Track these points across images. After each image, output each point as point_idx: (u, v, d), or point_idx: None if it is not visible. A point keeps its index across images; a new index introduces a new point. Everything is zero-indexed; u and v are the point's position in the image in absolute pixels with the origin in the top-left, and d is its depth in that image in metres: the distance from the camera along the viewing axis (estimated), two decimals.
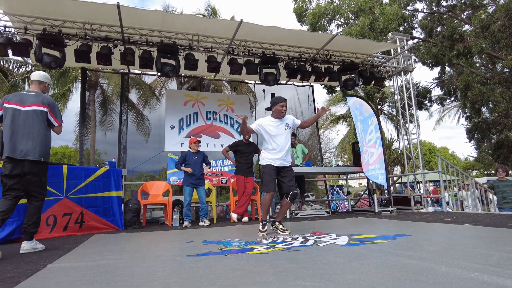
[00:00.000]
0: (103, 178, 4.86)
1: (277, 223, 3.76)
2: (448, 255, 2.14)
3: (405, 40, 8.48)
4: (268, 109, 3.90)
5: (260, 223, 3.69)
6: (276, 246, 2.79)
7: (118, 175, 5.06)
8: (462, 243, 2.60)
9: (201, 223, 5.38)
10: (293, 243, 2.91)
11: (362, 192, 10.34)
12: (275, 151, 3.72)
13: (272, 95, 8.43)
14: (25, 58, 6.50)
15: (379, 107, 16.99)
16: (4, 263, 2.47)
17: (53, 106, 3.23)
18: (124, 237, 4.03)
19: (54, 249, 3.12)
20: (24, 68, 12.30)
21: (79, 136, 7.36)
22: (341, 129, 43.98)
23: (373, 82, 7.59)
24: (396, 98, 8.93)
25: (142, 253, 2.76)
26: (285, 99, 3.88)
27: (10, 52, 5.38)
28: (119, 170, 5.17)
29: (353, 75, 7.34)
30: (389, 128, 18.58)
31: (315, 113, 8.97)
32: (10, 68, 12.63)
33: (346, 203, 12.36)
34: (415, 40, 11.45)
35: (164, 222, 6.00)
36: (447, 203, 8.77)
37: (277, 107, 3.74)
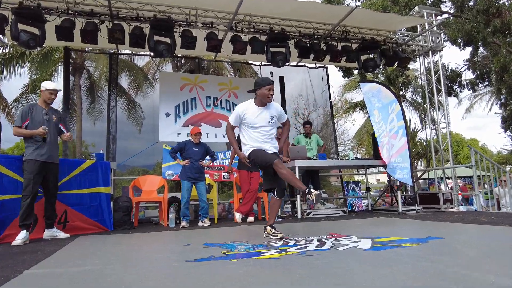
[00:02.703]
0: (90, 172, 4.80)
1: (268, 227, 3.50)
2: (493, 261, 2.02)
3: (433, 15, 8.25)
4: (251, 91, 3.54)
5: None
6: (288, 250, 2.70)
7: (107, 169, 4.99)
8: (506, 247, 2.48)
9: (200, 223, 5.32)
10: (307, 246, 2.81)
11: (383, 189, 10.23)
12: (255, 142, 3.45)
13: (281, 78, 8.32)
14: (1, 36, 6.43)
15: (401, 93, 16.72)
16: None
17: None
18: (113, 239, 3.97)
19: (34, 252, 3.06)
20: (0, 50, 12.20)
21: None
22: (358, 118, 43.63)
23: (396, 62, 7.42)
24: (422, 82, 8.74)
25: (133, 258, 2.70)
26: (273, 81, 3.57)
27: None
28: (108, 163, 5.12)
29: (374, 54, 7.18)
30: (412, 117, 18.40)
31: (330, 99, 8.98)
32: None
33: (364, 201, 12.31)
34: (444, 16, 11.16)
35: (159, 222, 5.96)
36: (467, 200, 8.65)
37: (263, 90, 3.38)
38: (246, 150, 3.49)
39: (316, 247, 2.77)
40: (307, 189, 3.24)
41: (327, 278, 1.79)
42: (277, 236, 3.36)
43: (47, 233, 4.11)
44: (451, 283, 1.61)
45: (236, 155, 5.92)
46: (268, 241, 3.22)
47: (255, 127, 3.44)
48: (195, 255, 2.60)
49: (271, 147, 3.49)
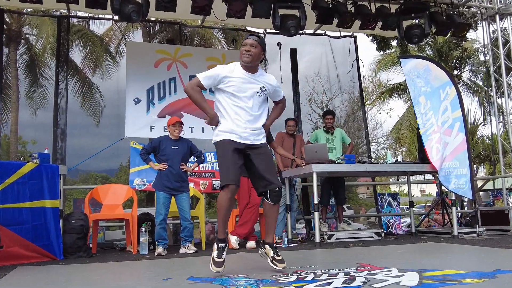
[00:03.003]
0: (31, 179, 4.76)
1: (267, 246, 3.45)
2: None
3: None
4: None
5: (214, 246, 3.34)
6: (305, 287, 2.70)
7: (54, 175, 4.99)
8: None
9: (183, 250, 5.32)
10: (331, 282, 2.81)
11: (431, 204, 10.25)
12: (237, 119, 3.39)
13: (293, 51, 8.32)
14: None
15: (455, 72, 16.77)
16: None
17: None
18: (64, 271, 3.98)
19: None
20: None
21: None
22: (396, 107, 43.77)
23: (451, 30, 7.40)
24: (485, 57, 8.73)
25: None
26: (258, 36, 3.49)
27: None
28: (56, 166, 5.13)
29: (420, 19, 7.17)
30: (471, 105, 18.37)
31: (360, 81, 8.97)
32: None
33: (403, 220, 12.32)
34: None
35: (126, 247, 5.97)
36: None
37: (241, 47, 3.43)
38: (216, 134, 3.45)
39: (343, 283, 2.77)
40: (221, 242, 3.33)
41: None
42: (276, 266, 3.33)
43: None
44: None
45: None
46: (277, 275, 3.22)
47: (239, 97, 3.39)
48: None
49: (253, 134, 3.44)
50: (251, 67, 3.43)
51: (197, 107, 3.55)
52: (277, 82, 3.65)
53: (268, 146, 3.59)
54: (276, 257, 3.38)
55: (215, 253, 3.27)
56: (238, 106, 3.39)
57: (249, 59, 3.36)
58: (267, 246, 3.46)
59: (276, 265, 3.33)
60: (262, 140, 3.50)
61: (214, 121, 3.44)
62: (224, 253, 3.29)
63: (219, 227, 3.47)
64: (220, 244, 3.30)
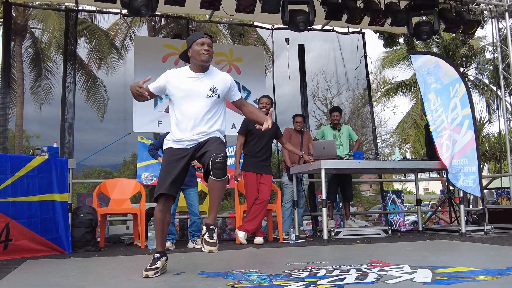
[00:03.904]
0: (41, 172, 4.77)
1: (203, 227, 3.15)
2: None
3: None
4: (183, 57, 3.40)
5: (152, 256, 3.23)
6: (318, 283, 2.70)
7: (63, 168, 4.99)
8: None
9: (191, 245, 5.35)
10: (344, 278, 2.82)
11: (438, 202, 10.23)
12: (181, 126, 3.24)
13: (301, 47, 8.30)
14: None
15: (462, 69, 16.70)
16: None
17: None
18: (73, 265, 3.98)
19: None
20: None
21: (1, 109, 7.29)
22: (401, 104, 43.67)
23: (460, 27, 7.38)
24: (494, 55, 8.69)
25: None
26: (210, 36, 3.36)
27: None
28: (65, 160, 5.12)
29: (429, 16, 7.13)
30: (477, 103, 18.30)
31: (367, 77, 8.95)
32: None
33: (407, 218, 12.32)
34: None
35: (133, 242, 5.97)
36: None
37: (194, 47, 3.22)
38: (165, 144, 3.35)
39: (356, 279, 2.78)
40: (157, 252, 3.24)
41: None
42: (206, 246, 3.04)
43: None
44: None
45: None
46: (288, 270, 3.22)
47: (182, 96, 3.25)
48: None
49: (201, 137, 3.23)
50: (203, 67, 3.31)
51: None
52: (233, 81, 3.46)
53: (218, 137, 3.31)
54: (206, 238, 3.05)
55: (149, 263, 3.17)
56: (184, 109, 3.25)
57: (209, 58, 3.24)
58: (203, 227, 3.15)
59: (203, 247, 3.05)
60: (209, 135, 3.25)
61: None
62: (159, 262, 3.17)
63: (157, 238, 3.38)
64: (155, 254, 3.23)
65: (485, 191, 17.19)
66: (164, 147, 3.35)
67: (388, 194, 11.01)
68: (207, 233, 3.06)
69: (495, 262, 3.40)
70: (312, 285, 2.62)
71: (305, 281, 2.77)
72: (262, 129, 3.37)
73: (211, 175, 3.00)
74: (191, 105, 3.23)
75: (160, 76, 3.33)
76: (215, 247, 3.02)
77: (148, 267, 3.10)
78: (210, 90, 3.25)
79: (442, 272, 2.96)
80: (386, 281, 2.67)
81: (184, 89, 3.25)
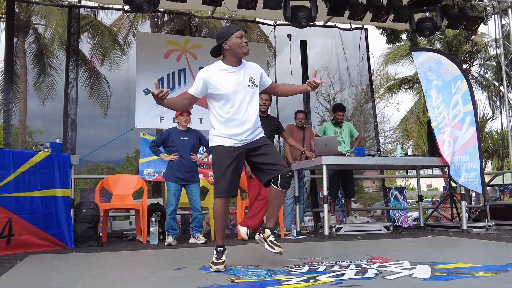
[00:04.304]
0: (43, 168, 4.79)
1: (267, 230, 3.32)
2: None
3: None
4: (215, 51, 3.35)
5: (214, 251, 3.25)
6: (318, 278, 2.72)
7: (66, 164, 5.01)
8: None
9: (192, 240, 5.36)
10: (344, 274, 2.84)
11: (439, 198, 10.23)
12: (233, 122, 3.25)
13: (303, 43, 8.29)
14: None
15: (465, 66, 16.65)
16: None
17: None
18: (76, 260, 4.00)
19: None
20: None
21: (4, 105, 7.33)
22: (404, 100, 43.58)
23: (463, 24, 7.36)
24: (496, 51, 8.65)
25: None
26: (244, 30, 3.37)
27: None
28: (67, 156, 5.14)
29: (432, 12, 7.13)
30: (480, 100, 18.26)
31: (370, 74, 8.94)
32: None
33: (409, 214, 12.34)
34: None
35: (135, 237, 6.00)
36: None
37: (233, 39, 3.20)
38: (211, 140, 3.35)
39: (355, 275, 2.79)
40: (220, 246, 3.24)
41: None
42: (273, 249, 3.23)
43: None
44: None
45: None
46: (288, 266, 3.24)
47: (226, 93, 3.23)
48: (192, 284, 2.63)
49: (252, 133, 3.33)
50: (240, 60, 3.32)
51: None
52: (262, 71, 3.47)
53: (266, 138, 3.43)
54: (273, 241, 3.26)
55: (214, 256, 3.19)
56: (230, 105, 3.25)
57: (248, 51, 3.26)
58: (267, 230, 3.34)
59: (273, 248, 3.23)
60: (260, 134, 3.38)
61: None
62: (224, 255, 3.21)
63: (217, 233, 3.39)
64: (218, 248, 3.23)
65: (487, 187, 17.18)
66: (213, 143, 3.31)
67: (391, 191, 11.04)
68: (272, 236, 3.30)
69: (495, 259, 3.40)
70: (311, 281, 2.63)
71: (304, 276, 2.79)
72: (317, 84, 3.47)
73: (278, 187, 3.22)
74: (238, 99, 3.24)
75: (197, 78, 3.28)
76: (281, 247, 3.25)
77: (215, 261, 3.15)
78: (249, 81, 3.29)
79: (442, 268, 2.97)
80: (385, 277, 2.68)
81: (228, 84, 3.23)
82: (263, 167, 3.32)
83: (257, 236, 3.46)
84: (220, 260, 3.15)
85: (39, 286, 2.75)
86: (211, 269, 3.12)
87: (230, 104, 3.24)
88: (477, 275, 2.68)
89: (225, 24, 13.33)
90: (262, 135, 3.42)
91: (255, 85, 3.33)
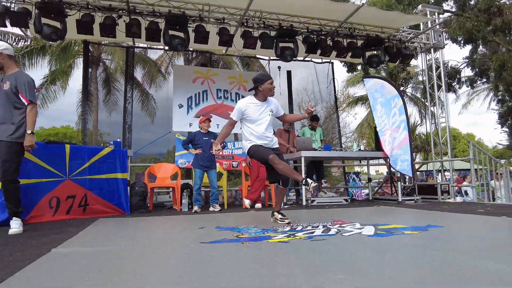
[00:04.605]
0: (108, 158, 4.82)
1: (275, 213, 3.56)
2: (493, 250, 2.03)
3: (436, 13, 8.10)
4: (252, 89, 3.46)
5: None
6: (296, 234, 2.72)
7: (124, 156, 5.02)
8: (504, 236, 2.48)
9: (211, 208, 5.37)
10: (314, 231, 2.84)
11: (383, 180, 10.21)
12: (257, 135, 3.40)
13: (288, 73, 8.26)
14: (24, 29, 6.45)
15: (402, 88, 16.55)
16: (8, 246, 2.46)
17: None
18: (130, 221, 4.02)
19: (58, 232, 3.11)
20: (23, 42, 12.26)
21: (81, 114, 7.34)
22: (360, 112, 43.41)
23: (399, 59, 7.33)
24: (423, 78, 8.64)
25: (151, 239, 2.73)
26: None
27: (8, 22, 5.30)
28: (125, 150, 5.14)
29: (378, 51, 7.10)
30: (412, 112, 18.22)
31: (335, 94, 8.91)
32: (8, 42, 12.62)
33: (363, 191, 12.30)
34: (447, 15, 10.98)
35: (172, 206, 6.01)
36: (465, 192, 8.58)
37: (266, 85, 3.35)
38: (246, 146, 3.46)
39: (322, 232, 2.79)
40: (304, 180, 3.23)
41: (335, 262, 1.80)
42: (284, 221, 3.42)
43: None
44: (454, 269, 1.62)
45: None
46: (276, 226, 3.25)
47: (258, 122, 3.38)
48: (209, 238, 2.63)
49: (270, 141, 3.47)
50: (266, 98, 3.45)
51: (221, 134, 3.51)
52: (278, 105, 3.59)
53: (279, 148, 3.58)
54: (282, 217, 3.49)
55: (279, 216, 3.51)
56: (258, 126, 3.39)
57: (273, 94, 3.49)
58: (275, 213, 3.56)
59: (284, 221, 3.43)
60: (275, 145, 3.50)
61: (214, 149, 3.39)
62: (305, 186, 3.24)
63: (293, 176, 3.36)
64: (304, 181, 3.22)
65: (417, 172, 17.17)
66: (250, 144, 3.40)
67: (350, 174, 11.01)
68: (280, 215, 3.52)
69: (419, 222, 3.40)
70: (291, 236, 2.64)
71: (287, 233, 2.80)
72: (311, 111, 3.57)
73: (281, 186, 3.52)
74: (259, 128, 3.40)
75: (236, 107, 3.40)
76: (289, 219, 3.49)
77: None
78: (270, 111, 3.45)
79: (382, 228, 2.97)
80: (342, 234, 2.69)
81: (256, 114, 3.39)
82: (274, 170, 3.38)
83: (272, 219, 3.58)
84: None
85: (106, 238, 2.77)
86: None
87: (254, 125, 3.40)
88: (406, 233, 2.70)
89: (235, 59, 13.35)
90: (277, 145, 3.55)
91: (272, 114, 3.49)
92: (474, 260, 1.78)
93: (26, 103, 3.20)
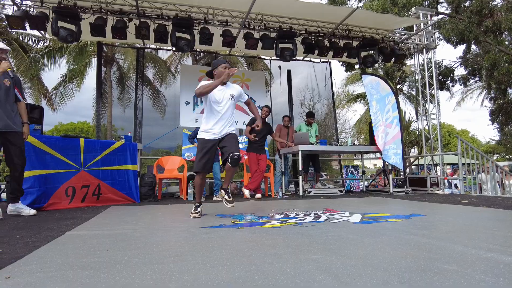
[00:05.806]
0: (119, 151, 4.92)
1: (221, 190, 3.38)
2: (465, 235, 2.09)
3: (429, 15, 8.07)
4: (209, 73, 3.34)
5: (194, 205, 3.31)
6: (288, 221, 2.80)
7: (134, 149, 5.12)
8: (479, 224, 2.54)
9: (215, 198, 5.45)
10: (305, 219, 2.92)
11: (376, 172, 10.24)
12: (215, 120, 3.19)
13: (289, 72, 8.30)
14: (42, 32, 6.56)
15: (398, 86, 16.49)
16: (26, 229, 2.58)
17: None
18: (139, 209, 4.12)
19: (73, 218, 3.23)
20: (42, 43, 12.42)
21: (96, 111, 7.47)
22: (359, 109, 43.23)
23: (393, 59, 7.33)
24: (416, 77, 8.60)
25: (156, 224, 2.82)
26: (227, 61, 3.34)
27: (27, 25, 5.42)
28: (135, 144, 5.24)
29: (372, 51, 7.10)
30: (408, 109, 18.18)
31: (332, 91, 8.94)
32: (29, 43, 12.77)
33: (361, 183, 12.34)
34: (440, 16, 10.88)
35: (179, 196, 6.12)
36: (455, 185, 8.58)
37: (219, 69, 3.19)
38: (198, 134, 3.30)
39: (312, 219, 2.87)
40: (197, 203, 3.26)
41: (318, 244, 1.89)
42: (227, 204, 3.29)
43: (11, 208, 3.46)
44: (424, 251, 1.70)
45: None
46: (271, 214, 3.33)
47: (218, 102, 3.20)
48: (209, 223, 2.73)
49: (228, 126, 3.26)
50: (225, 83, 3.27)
51: (212, 89, 3.15)
52: (241, 91, 3.39)
53: (235, 133, 3.32)
54: (227, 198, 3.30)
55: (192, 209, 3.27)
56: (218, 107, 3.21)
57: (228, 79, 3.24)
58: (222, 190, 3.39)
59: (226, 204, 3.29)
60: (230, 130, 3.27)
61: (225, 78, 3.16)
62: (199, 208, 3.25)
63: (197, 195, 3.36)
64: (196, 204, 3.30)
65: (413, 166, 17.10)
66: (198, 136, 3.29)
67: (349, 168, 11.04)
68: (226, 195, 3.32)
69: (404, 211, 3.44)
70: (283, 222, 2.72)
71: (280, 220, 2.88)
72: (256, 128, 3.45)
73: (229, 164, 3.14)
74: (220, 107, 3.22)
75: (203, 82, 3.23)
76: (233, 203, 3.34)
77: (193, 212, 3.22)
78: (230, 96, 3.26)
79: (368, 216, 3.03)
80: (331, 221, 2.76)
81: (217, 93, 3.21)
82: (223, 150, 3.26)
83: (216, 195, 3.43)
84: (197, 211, 3.22)
85: (115, 223, 2.87)
86: (190, 217, 3.14)
87: (211, 109, 3.23)
88: (390, 220, 2.76)
89: (241, 59, 13.38)
90: (234, 131, 3.31)
91: (234, 99, 3.29)
92: (445, 243, 1.85)
93: (21, 99, 3.50)
